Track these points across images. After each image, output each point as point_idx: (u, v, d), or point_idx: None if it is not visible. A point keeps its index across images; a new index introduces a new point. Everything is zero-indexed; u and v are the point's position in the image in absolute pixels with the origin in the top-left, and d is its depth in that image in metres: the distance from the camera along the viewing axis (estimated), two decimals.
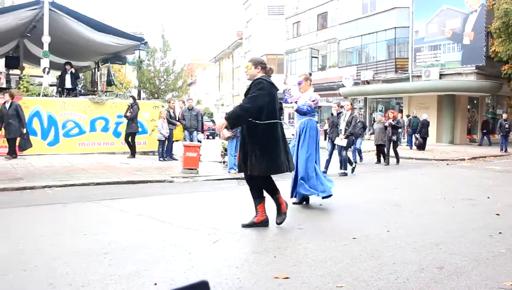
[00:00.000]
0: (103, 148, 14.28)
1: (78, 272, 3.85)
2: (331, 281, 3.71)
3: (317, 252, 4.52)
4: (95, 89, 18.31)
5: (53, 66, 16.13)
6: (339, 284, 3.63)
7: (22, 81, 14.29)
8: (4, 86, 14.82)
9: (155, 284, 3.59)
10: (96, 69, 20.49)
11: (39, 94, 13.65)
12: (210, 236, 5.04)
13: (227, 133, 6.38)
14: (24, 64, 18.01)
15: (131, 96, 14.77)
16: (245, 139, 5.52)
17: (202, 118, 14.29)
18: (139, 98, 16.52)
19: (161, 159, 13.30)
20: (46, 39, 14.27)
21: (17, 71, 18.48)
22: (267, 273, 3.88)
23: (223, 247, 4.67)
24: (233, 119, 5.39)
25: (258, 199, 5.56)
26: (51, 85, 15.70)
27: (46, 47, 14.33)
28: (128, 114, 13.60)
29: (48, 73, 14.72)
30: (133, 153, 13.65)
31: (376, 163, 14.79)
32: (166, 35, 16.88)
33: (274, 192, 5.57)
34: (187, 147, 10.71)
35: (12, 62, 18.53)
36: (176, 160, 13.11)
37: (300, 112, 6.97)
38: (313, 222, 6.04)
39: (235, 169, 10.65)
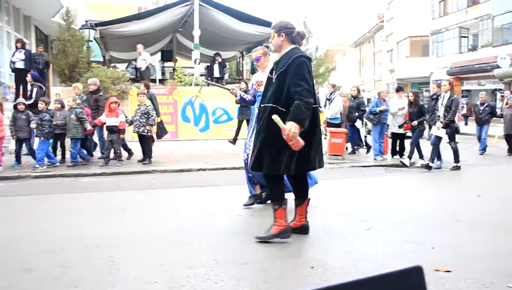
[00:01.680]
0: None
1: (237, 250, 4.08)
2: (500, 279, 3.41)
3: (479, 246, 4.21)
4: (240, 77, 19.11)
5: (202, 57, 17.19)
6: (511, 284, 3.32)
7: (176, 72, 15.54)
8: (160, 78, 16.20)
9: (312, 267, 3.64)
10: (241, 58, 21.40)
11: (191, 84, 14.69)
12: (362, 223, 4.98)
13: (301, 141, 4.16)
14: (176, 57, 19.47)
15: (243, 81, 14.43)
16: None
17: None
18: None
19: None
20: (196, 32, 15.29)
21: (170, 64, 20.04)
22: (427, 265, 3.71)
23: (377, 235, 4.58)
24: (303, 121, 4.01)
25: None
26: (201, 75, 16.76)
27: (196, 40, 15.36)
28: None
29: (198, 64, 15.76)
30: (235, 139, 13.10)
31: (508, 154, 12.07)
32: (308, 22, 17.00)
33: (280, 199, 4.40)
34: (333, 133, 10.67)
35: (167, 55, 20.13)
36: None
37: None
38: (474, 214, 5.60)
39: (381, 156, 10.39)
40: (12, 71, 13.58)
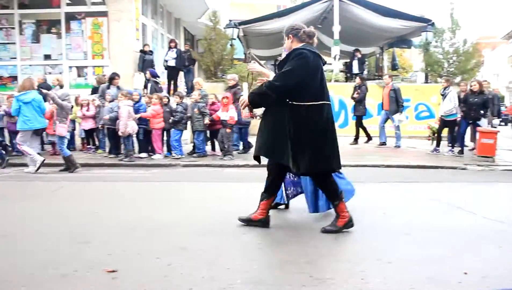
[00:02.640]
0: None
1: (382, 248, 3.93)
2: None
3: None
4: (380, 73, 18.55)
5: (341, 53, 16.99)
6: None
7: None
8: None
9: (465, 273, 3.34)
10: (381, 54, 20.75)
11: (330, 80, 14.61)
12: None
13: (246, 112, 4.87)
14: None
15: (359, 76, 13.74)
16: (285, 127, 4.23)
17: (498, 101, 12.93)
18: (426, 82, 16.07)
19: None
20: (336, 28, 15.16)
21: None
22: None
23: None
24: (255, 97, 4.34)
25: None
26: (341, 71, 16.60)
27: (336, 36, 15.24)
28: (355, 95, 12.51)
29: (338, 60, 15.63)
30: (369, 137, 12.73)
31: None
32: (455, 13, 15.85)
33: (334, 197, 4.39)
34: (483, 133, 9.84)
35: None
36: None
37: None
38: None
39: None
40: (165, 69, 14.80)
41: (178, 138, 9.85)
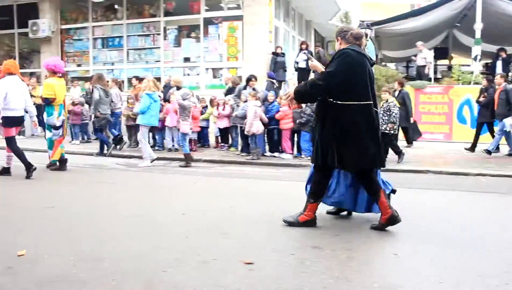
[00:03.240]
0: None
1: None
2: None
3: None
4: None
5: (482, 53, 15.78)
6: None
7: (453, 70, 14.67)
8: (431, 76, 15.53)
9: None
10: None
11: (469, 83, 13.66)
12: None
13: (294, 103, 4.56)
14: (452, 54, 18.40)
15: (485, 77, 12.03)
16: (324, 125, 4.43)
17: None
18: None
19: None
20: (478, 26, 14.09)
21: (444, 62, 19.06)
22: None
23: None
24: (298, 94, 4.64)
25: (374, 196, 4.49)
26: (481, 73, 15.43)
27: (478, 35, 14.17)
28: (481, 99, 11.08)
29: (479, 60, 14.55)
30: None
31: None
32: None
33: (375, 192, 4.44)
34: None
35: (440, 52, 19.20)
36: None
37: None
38: None
39: None
40: (295, 70, 15.04)
41: (308, 139, 9.92)
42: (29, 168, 7.32)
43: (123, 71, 16.13)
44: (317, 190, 4.55)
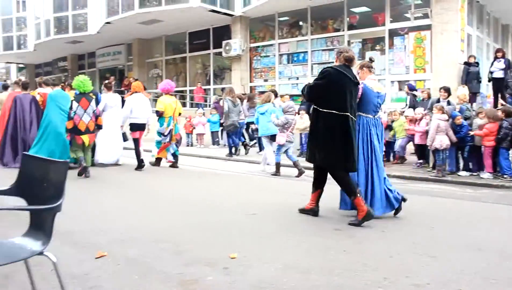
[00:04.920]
0: None
1: None
2: None
3: None
4: None
5: None
6: None
7: None
8: None
9: None
10: None
11: None
12: None
13: None
14: None
15: None
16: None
17: None
18: None
19: None
20: None
21: None
22: None
23: None
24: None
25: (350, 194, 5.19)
26: None
27: None
28: None
29: None
30: None
31: None
32: None
33: (349, 193, 5.15)
34: None
35: None
36: None
37: None
38: None
39: None
40: (488, 81, 13.73)
41: (507, 157, 8.91)
42: (140, 164, 9.42)
43: None
44: (346, 188, 5.21)
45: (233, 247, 4.13)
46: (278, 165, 9.37)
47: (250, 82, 18.72)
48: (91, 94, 8.67)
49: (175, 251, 3.99)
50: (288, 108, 9.23)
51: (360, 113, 5.40)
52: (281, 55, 17.69)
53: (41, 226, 2.45)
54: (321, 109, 5.14)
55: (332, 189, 5.62)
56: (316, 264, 3.74)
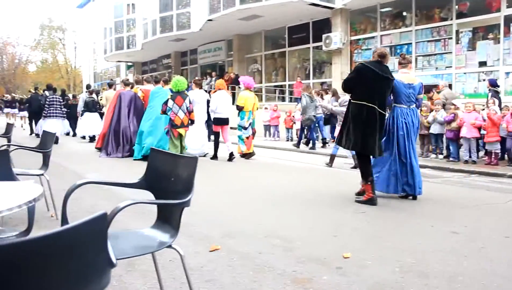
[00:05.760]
0: None
1: None
2: None
3: None
4: None
5: None
6: None
7: None
8: None
9: None
10: None
11: None
12: None
13: None
14: None
15: None
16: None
17: None
18: None
19: None
20: None
21: None
22: None
23: None
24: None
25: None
26: None
27: None
28: None
29: None
30: None
31: None
32: None
33: (366, 176, 5.88)
34: None
35: None
36: None
37: None
38: None
39: None
40: None
41: None
42: (215, 156, 10.35)
43: None
44: (365, 171, 5.93)
45: (345, 246, 4.04)
46: (332, 157, 9.54)
47: None
48: (185, 92, 9.52)
49: (286, 248, 3.98)
50: (344, 102, 9.44)
51: (394, 104, 6.17)
52: (383, 47, 17.07)
53: (169, 220, 2.54)
54: (352, 100, 5.89)
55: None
56: (435, 268, 3.52)
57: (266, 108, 17.03)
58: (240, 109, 10.56)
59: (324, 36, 18.23)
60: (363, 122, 5.70)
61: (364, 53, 17.76)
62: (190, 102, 9.49)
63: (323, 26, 19.02)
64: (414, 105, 6.21)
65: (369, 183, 5.80)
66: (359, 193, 6.13)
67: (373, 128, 5.71)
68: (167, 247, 2.38)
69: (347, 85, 5.98)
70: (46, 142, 5.47)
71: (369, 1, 16.76)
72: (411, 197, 6.19)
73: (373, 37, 17.48)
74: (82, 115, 15.97)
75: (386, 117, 6.03)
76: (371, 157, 5.96)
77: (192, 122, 9.55)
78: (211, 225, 4.70)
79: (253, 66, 23.53)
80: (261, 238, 4.30)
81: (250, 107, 10.58)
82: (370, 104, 5.67)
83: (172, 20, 23.47)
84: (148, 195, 2.81)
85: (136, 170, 8.42)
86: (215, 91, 11.00)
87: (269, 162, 10.64)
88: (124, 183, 2.91)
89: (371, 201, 5.74)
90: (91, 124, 15.23)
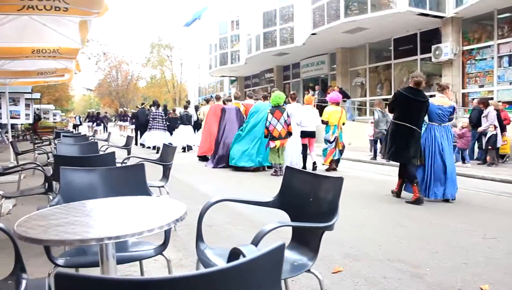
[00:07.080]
0: None
1: None
2: None
3: None
4: None
5: None
6: None
7: None
8: None
9: None
10: None
11: None
12: None
13: None
14: None
15: None
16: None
17: None
18: None
19: None
20: None
21: None
22: None
23: None
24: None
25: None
26: None
27: None
28: None
29: None
30: None
31: None
32: None
33: (411, 180, 6.97)
34: None
35: None
36: None
37: None
38: None
39: None
40: None
41: None
42: (304, 168, 10.58)
43: None
44: (409, 177, 7.02)
45: (480, 276, 3.71)
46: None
47: (463, 88, 17.19)
48: (283, 106, 10.28)
49: (413, 274, 3.75)
50: None
51: (428, 122, 7.23)
52: (500, 57, 15.82)
53: (306, 242, 2.47)
54: (393, 120, 7.17)
55: None
56: None
57: (371, 122, 16.56)
58: (325, 123, 11.08)
59: (433, 47, 17.38)
60: (400, 137, 6.96)
61: (478, 63, 16.67)
62: (288, 116, 10.15)
63: (431, 37, 18.17)
64: (446, 123, 7.25)
65: (415, 184, 6.85)
66: (394, 192, 7.49)
67: (407, 142, 6.91)
68: (305, 271, 2.31)
69: (390, 109, 7.34)
70: (167, 155, 5.70)
71: (485, 7, 15.69)
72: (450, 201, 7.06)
73: (488, 46, 16.31)
74: (177, 127, 17.80)
75: (422, 133, 7.15)
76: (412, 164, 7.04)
77: (290, 134, 10.19)
78: (332, 245, 4.54)
79: (356, 80, 23.09)
80: (383, 261, 4.10)
81: (335, 121, 10.98)
82: (406, 123, 6.92)
83: (275, 35, 23.81)
84: (282, 214, 2.77)
85: (245, 183, 8.57)
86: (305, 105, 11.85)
87: (383, 179, 10.27)
88: (258, 202, 2.91)
89: (419, 201, 6.75)
90: (185, 135, 17.33)
